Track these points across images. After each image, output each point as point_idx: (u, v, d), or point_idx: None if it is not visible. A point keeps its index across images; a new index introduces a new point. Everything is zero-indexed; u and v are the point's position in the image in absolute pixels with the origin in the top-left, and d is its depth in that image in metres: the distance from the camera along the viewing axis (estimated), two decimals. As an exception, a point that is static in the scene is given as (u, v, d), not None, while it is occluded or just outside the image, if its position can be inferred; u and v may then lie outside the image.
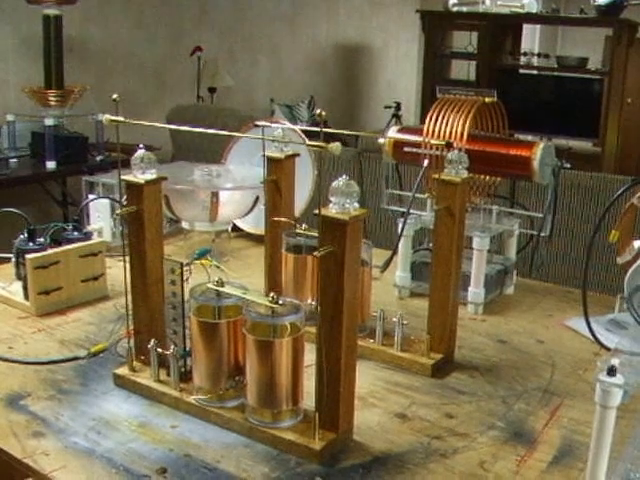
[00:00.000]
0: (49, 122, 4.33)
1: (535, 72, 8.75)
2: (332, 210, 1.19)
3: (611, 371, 0.98)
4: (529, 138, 7.24)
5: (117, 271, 1.46)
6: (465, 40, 8.62)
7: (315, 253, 1.17)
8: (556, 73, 8.36)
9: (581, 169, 3.01)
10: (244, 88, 6.74)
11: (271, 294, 1.24)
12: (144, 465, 1.21)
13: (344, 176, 1.20)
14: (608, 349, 1.64)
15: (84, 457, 1.23)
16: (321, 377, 1.23)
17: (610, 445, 1.03)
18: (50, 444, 1.26)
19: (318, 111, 1.14)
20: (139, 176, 1.41)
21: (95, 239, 1.98)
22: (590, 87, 7.85)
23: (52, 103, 4.49)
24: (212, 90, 6.23)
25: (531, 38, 10.35)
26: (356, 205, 1.20)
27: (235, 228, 2.37)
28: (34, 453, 1.23)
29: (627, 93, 7.80)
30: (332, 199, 1.19)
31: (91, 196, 2.34)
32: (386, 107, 7.92)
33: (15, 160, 4.45)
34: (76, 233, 1.96)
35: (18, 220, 1.91)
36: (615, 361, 0.99)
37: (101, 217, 2.26)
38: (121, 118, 1.36)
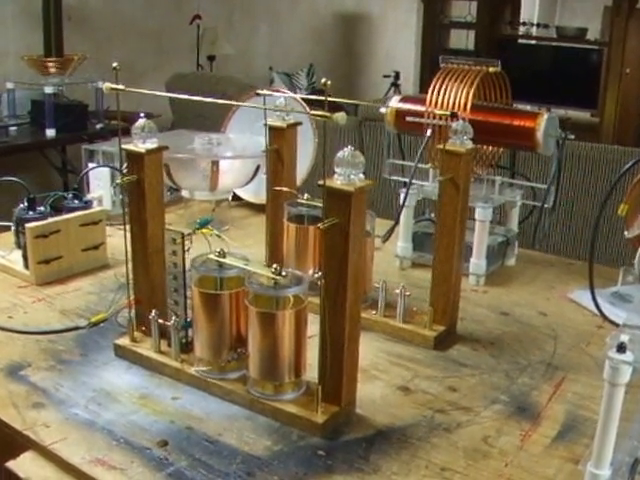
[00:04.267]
0: (49, 90, 4.33)
1: (534, 42, 8.73)
2: (337, 181, 1.17)
3: (620, 348, 0.97)
4: (527, 108, 7.24)
5: (117, 240, 1.46)
6: (464, 9, 8.60)
7: (319, 225, 1.16)
8: (555, 43, 8.35)
9: (579, 139, 2.99)
10: (243, 56, 6.71)
11: (274, 265, 1.23)
12: (145, 437, 1.20)
13: (349, 147, 1.19)
14: (612, 323, 1.63)
15: (85, 429, 1.22)
16: (324, 350, 1.22)
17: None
18: (50, 415, 1.26)
19: (323, 80, 1.12)
20: (140, 145, 1.40)
21: (95, 208, 1.97)
22: (589, 57, 7.84)
23: (51, 71, 4.49)
24: (211, 58, 6.21)
25: (530, 8, 10.28)
26: (361, 176, 1.18)
27: (235, 197, 2.36)
28: (34, 425, 1.22)
29: (626, 63, 7.77)
30: (337, 170, 1.17)
31: (91, 164, 2.32)
32: (385, 76, 7.88)
33: (15, 128, 4.45)
34: (76, 202, 1.94)
35: (18, 188, 1.90)
36: (624, 337, 0.97)
37: (101, 185, 2.25)
38: (121, 86, 1.34)
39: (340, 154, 1.18)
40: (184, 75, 5.02)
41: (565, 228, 3.20)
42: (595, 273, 1.63)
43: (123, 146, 1.40)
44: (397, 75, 7.78)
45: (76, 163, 4.61)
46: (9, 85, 4.45)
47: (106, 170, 2.25)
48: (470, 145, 1.53)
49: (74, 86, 4.64)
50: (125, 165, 1.43)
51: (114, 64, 1.33)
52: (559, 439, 1.24)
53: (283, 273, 1.22)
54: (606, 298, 1.73)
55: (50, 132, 4.35)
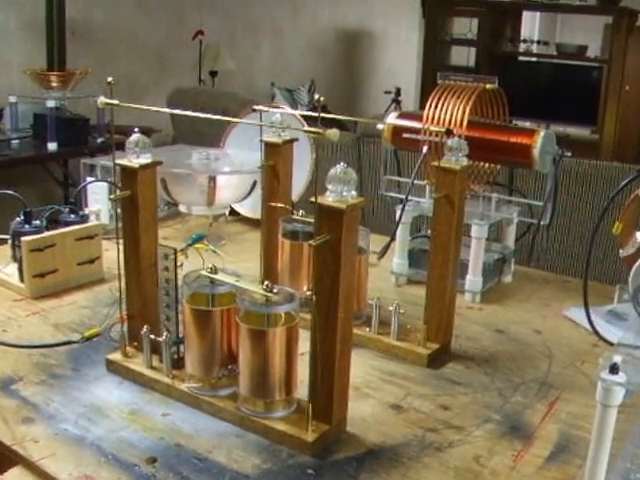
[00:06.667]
0: (51, 104, 4.33)
1: (534, 59, 8.77)
2: (329, 198, 1.16)
3: (613, 369, 0.96)
4: (527, 125, 7.28)
5: (114, 253, 1.45)
6: (465, 26, 8.63)
7: (310, 242, 1.15)
8: (555, 60, 8.39)
9: (579, 156, 2.99)
10: (245, 72, 6.72)
11: (265, 282, 1.22)
12: (134, 454, 1.19)
13: (342, 163, 1.18)
14: (607, 342, 1.62)
15: (73, 445, 1.21)
16: (315, 368, 1.21)
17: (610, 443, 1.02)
18: (40, 430, 1.25)
19: (317, 96, 1.12)
20: (134, 160, 1.39)
21: (92, 222, 1.97)
22: (589, 75, 7.87)
23: (54, 85, 4.50)
24: (213, 73, 6.22)
25: (531, 25, 10.34)
26: (354, 193, 1.17)
27: (233, 212, 2.36)
28: (23, 440, 1.22)
29: (625, 81, 7.81)
30: (329, 187, 1.17)
31: (89, 178, 2.33)
32: (386, 92, 7.89)
33: (17, 141, 4.46)
34: (72, 216, 1.94)
35: (15, 201, 1.90)
36: (617, 358, 0.96)
37: (99, 199, 2.25)
38: (115, 101, 1.34)
39: (332, 171, 1.17)
40: (185, 90, 5.02)
41: (562, 245, 3.19)
42: (591, 291, 1.62)
43: (117, 161, 1.40)
44: (398, 91, 7.79)
45: (77, 177, 4.62)
46: (12, 99, 4.46)
47: (104, 184, 2.25)
48: (465, 162, 1.53)
49: (76, 100, 4.65)
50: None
51: (109, 79, 1.33)
52: (552, 459, 1.23)
53: (274, 290, 1.22)
54: (602, 316, 1.72)
55: (52, 146, 4.35)
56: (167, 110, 1.48)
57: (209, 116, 1.38)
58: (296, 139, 1.71)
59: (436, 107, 1.83)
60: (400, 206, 1.86)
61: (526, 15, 9.29)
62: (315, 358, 1.21)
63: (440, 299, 1.56)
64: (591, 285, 1.63)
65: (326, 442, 1.23)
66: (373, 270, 1.75)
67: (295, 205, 1.81)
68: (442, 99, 1.83)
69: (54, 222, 1.90)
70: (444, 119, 1.81)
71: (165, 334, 1.38)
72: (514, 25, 8.68)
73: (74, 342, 1.57)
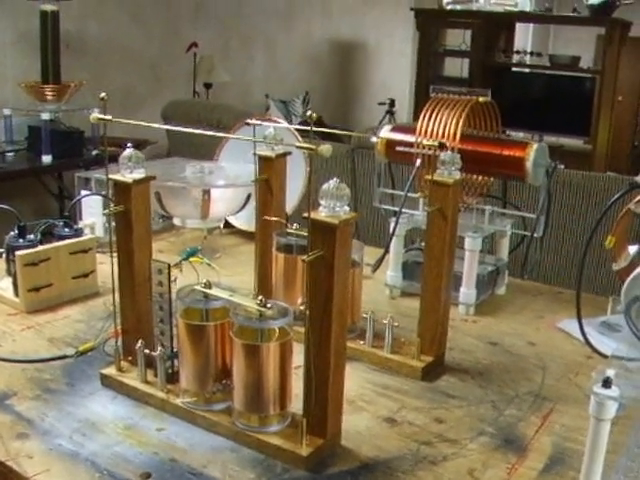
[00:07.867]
0: (45, 116, 4.34)
1: (527, 70, 8.79)
2: (322, 213, 1.17)
3: (606, 383, 0.96)
4: (521, 135, 7.31)
5: (109, 267, 1.45)
6: (459, 38, 8.64)
7: (303, 258, 1.15)
8: (548, 71, 8.42)
9: (572, 167, 2.99)
10: (240, 84, 6.73)
11: (259, 297, 1.22)
12: (128, 469, 1.19)
13: (335, 179, 1.18)
14: (600, 354, 1.62)
15: (68, 460, 1.21)
16: (309, 383, 1.21)
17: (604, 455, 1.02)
18: (34, 446, 1.25)
19: (308, 113, 1.12)
20: (127, 175, 1.39)
21: (86, 236, 1.97)
22: (582, 85, 7.89)
23: (49, 98, 4.50)
24: (208, 86, 6.23)
25: (524, 36, 10.37)
26: (346, 208, 1.17)
27: (227, 225, 2.36)
28: (18, 455, 1.21)
29: (618, 91, 7.84)
30: (322, 202, 1.17)
31: (83, 192, 2.32)
32: (380, 103, 7.90)
33: (12, 154, 4.46)
34: (67, 230, 1.94)
35: (10, 215, 1.90)
36: (610, 372, 0.97)
37: (94, 213, 2.25)
38: (108, 117, 1.34)
39: (325, 186, 1.17)
40: (180, 102, 5.02)
41: (555, 257, 3.19)
42: (585, 302, 1.62)
43: (110, 176, 1.40)
44: (392, 102, 7.80)
45: (72, 189, 4.62)
46: (6, 111, 4.48)
47: (99, 197, 2.25)
48: (458, 176, 1.53)
49: (71, 113, 4.65)
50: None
51: (101, 94, 1.33)
52: (546, 472, 1.23)
53: (268, 305, 1.22)
54: (595, 327, 1.72)
55: (46, 158, 4.36)
56: (157, 125, 1.48)
57: (200, 132, 1.38)
58: (289, 153, 1.72)
59: (429, 120, 1.83)
60: (394, 218, 1.86)
61: (519, 27, 9.30)
62: (309, 372, 1.21)
63: (434, 311, 1.56)
64: (584, 297, 1.63)
65: (321, 456, 1.23)
66: (367, 283, 1.75)
67: (289, 218, 1.81)
68: (435, 112, 1.83)
69: (49, 235, 1.90)
70: (437, 132, 1.82)
71: (159, 349, 1.38)
72: (507, 36, 8.69)
73: (68, 356, 1.57)
